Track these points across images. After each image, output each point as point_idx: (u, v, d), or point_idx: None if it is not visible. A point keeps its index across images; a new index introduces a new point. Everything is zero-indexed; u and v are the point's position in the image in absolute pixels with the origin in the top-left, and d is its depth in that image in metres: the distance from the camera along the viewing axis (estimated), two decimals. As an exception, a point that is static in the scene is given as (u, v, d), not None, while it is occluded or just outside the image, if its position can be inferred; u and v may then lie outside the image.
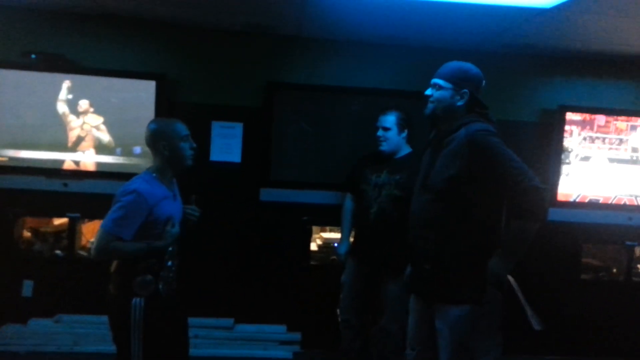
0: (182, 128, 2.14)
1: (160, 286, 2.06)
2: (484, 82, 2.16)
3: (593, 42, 3.22)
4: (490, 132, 2.03)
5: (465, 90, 2.09)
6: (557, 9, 2.56)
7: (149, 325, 2.02)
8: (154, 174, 2.12)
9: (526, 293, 3.40)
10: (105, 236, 1.95)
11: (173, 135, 2.10)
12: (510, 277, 2.07)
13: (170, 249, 2.12)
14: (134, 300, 2.01)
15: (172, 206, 2.14)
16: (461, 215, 2.04)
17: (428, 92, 2.16)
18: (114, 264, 2.10)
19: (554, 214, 3.56)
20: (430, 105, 2.15)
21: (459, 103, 2.10)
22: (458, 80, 2.10)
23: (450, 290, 2.08)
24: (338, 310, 3.13)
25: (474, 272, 2.05)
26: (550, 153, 3.58)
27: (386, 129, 2.96)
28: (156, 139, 2.10)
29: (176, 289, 2.17)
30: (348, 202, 3.20)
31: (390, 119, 2.96)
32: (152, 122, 2.19)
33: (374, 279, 2.99)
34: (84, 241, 3.62)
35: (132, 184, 2.03)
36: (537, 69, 3.63)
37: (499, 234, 2.09)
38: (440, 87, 2.12)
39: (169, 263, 2.13)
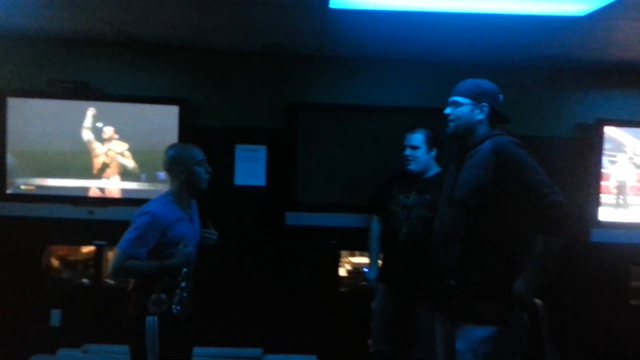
0: (197, 153, 2.24)
1: (174, 306, 2.11)
2: (501, 96, 2.16)
3: (630, 51, 3.05)
4: (517, 144, 2.03)
5: (485, 103, 2.10)
6: (591, 16, 2.42)
7: (163, 345, 2.06)
8: (171, 197, 2.22)
9: (568, 320, 3.30)
10: (121, 255, 2.06)
11: (189, 160, 2.21)
12: (537, 300, 2.00)
13: (184, 270, 2.14)
14: (147, 319, 2.06)
15: (187, 228, 2.21)
16: (488, 227, 2.00)
17: (447, 110, 2.16)
18: (131, 283, 2.17)
19: (597, 235, 3.39)
20: (451, 124, 2.15)
21: (480, 117, 2.10)
22: (475, 95, 2.11)
23: (475, 308, 2.01)
24: (370, 341, 3.01)
25: (501, 289, 1.99)
26: (588, 170, 3.41)
27: (414, 148, 2.87)
28: (173, 163, 2.21)
29: (191, 313, 2.20)
30: (375, 225, 3.09)
31: (418, 137, 2.87)
32: (169, 147, 2.29)
33: (407, 306, 2.87)
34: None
35: (147, 206, 2.16)
36: (571, 81, 3.49)
37: (529, 250, 2.02)
38: (458, 104, 2.13)
39: (183, 284, 2.15)
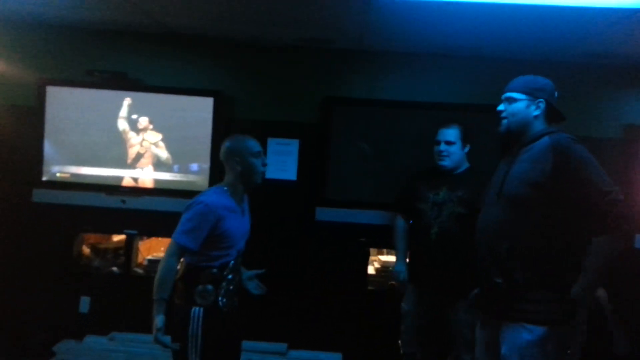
0: (254, 145, 2.20)
1: (220, 298, 2.09)
2: (556, 92, 2.07)
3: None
4: (575, 140, 1.93)
5: (541, 99, 2.01)
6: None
7: (206, 337, 2.04)
8: (225, 188, 2.18)
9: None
10: (174, 247, 2.04)
11: (246, 151, 2.17)
12: (601, 291, 1.90)
13: (232, 262, 2.14)
14: (193, 309, 2.05)
15: (239, 221, 2.18)
16: (539, 224, 1.90)
17: (501, 107, 2.07)
18: (179, 272, 2.13)
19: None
20: (504, 121, 2.06)
21: (535, 113, 2.02)
22: (531, 90, 2.02)
23: (523, 308, 1.90)
24: (400, 342, 2.91)
25: (550, 288, 1.90)
26: (637, 173, 3.23)
27: (450, 143, 2.77)
28: (230, 154, 2.17)
29: (237, 306, 2.19)
30: (400, 223, 2.97)
31: (453, 133, 2.78)
32: (227, 139, 2.25)
33: (439, 307, 2.76)
34: (140, 259, 3.61)
35: (202, 196, 2.11)
36: (621, 79, 3.33)
37: (581, 250, 1.94)
38: (513, 100, 2.04)
39: (230, 276, 2.14)
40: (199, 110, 3.37)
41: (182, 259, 2.12)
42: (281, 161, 3.45)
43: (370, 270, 3.57)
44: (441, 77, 3.40)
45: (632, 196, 3.18)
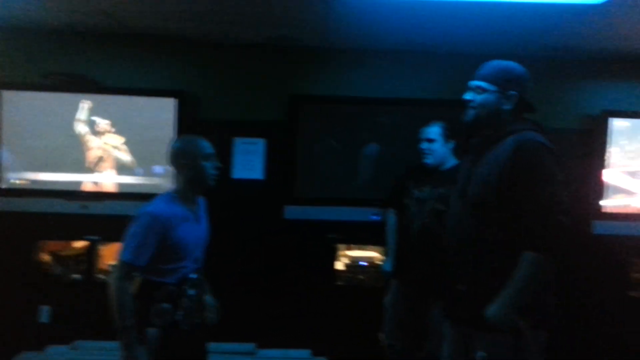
0: (205, 146, 2.03)
1: (179, 317, 1.94)
2: (531, 82, 1.90)
3: (640, 42, 3.00)
4: (545, 146, 1.76)
5: (514, 92, 1.84)
6: (606, 4, 2.36)
7: (163, 359, 1.89)
8: (175, 194, 2.01)
9: (571, 313, 3.20)
10: (124, 267, 1.87)
11: (196, 153, 2.00)
12: (522, 322, 1.72)
13: (192, 275, 2.00)
14: (148, 330, 1.89)
15: (193, 229, 2.02)
16: (502, 229, 1.77)
17: (468, 96, 1.89)
18: (134, 288, 1.96)
19: (599, 227, 3.33)
20: (471, 111, 1.89)
21: (506, 107, 1.84)
22: (503, 82, 1.84)
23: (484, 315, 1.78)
24: (381, 335, 2.95)
25: None
26: (592, 162, 3.34)
27: (431, 141, 2.81)
28: (178, 157, 2.00)
29: (200, 323, 2.03)
30: (391, 218, 3.03)
31: (434, 130, 2.82)
32: (175, 140, 2.11)
33: (419, 301, 2.81)
34: (103, 265, 3.50)
35: (148, 207, 1.94)
36: (579, 72, 3.43)
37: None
38: (483, 90, 1.86)
39: (191, 292, 1.99)
40: (161, 111, 3.30)
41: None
42: (248, 161, 3.42)
43: (339, 266, 3.56)
44: (406, 73, 3.43)
45: (586, 183, 3.33)
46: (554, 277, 1.83)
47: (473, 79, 1.90)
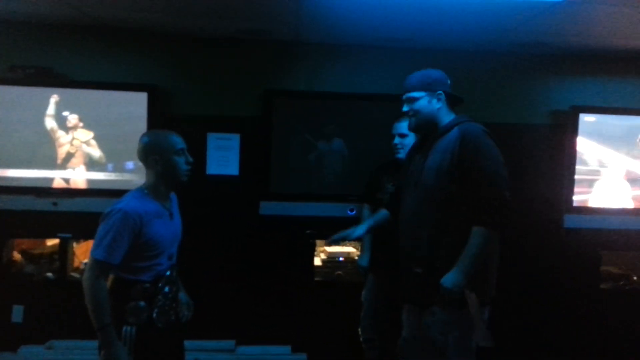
0: (177, 141, 1.97)
1: (155, 314, 1.91)
2: (449, 80, 2.16)
3: (608, 38, 3.05)
4: (485, 132, 2.03)
5: (439, 91, 2.10)
6: (570, 2, 2.40)
7: (139, 357, 1.87)
8: (146, 191, 1.96)
9: (542, 305, 3.31)
10: (97, 265, 1.81)
11: (166, 148, 1.94)
12: (468, 292, 1.92)
13: (168, 272, 1.97)
14: (124, 328, 1.85)
15: (167, 225, 1.98)
16: (453, 213, 1.98)
17: (405, 108, 2.15)
18: (108, 287, 1.92)
19: (570, 221, 3.42)
20: (412, 120, 2.16)
21: (437, 105, 2.11)
22: (427, 85, 2.11)
23: (439, 293, 1.95)
24: (359, 329, 3.00)
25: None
26: (562, 157, 3.42)
27: (403, 136, 2.83)
28: (148, 152, 1.93)
29: (175, 321, 2.02)
30: (366, 213, 3.05)
31: (406, 125, 2.81)
32: (144, 134, 2.04)
33: (394, 295, 2.83)
34: (76, 262, 3.46)
35: (119, 203, 1.87)
36: (547, 68, 3.48)
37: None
38: (414, 99, 2.12)
39: (166, 289, 1.97)
40: (132, 106, 3.24)
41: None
42: (222, 156, 3.39)
43: (317, 261, 3.59)
44: (378, 68, 3.43)
45: (556, 178, 3.41)
46: (498, 255, 2.06)
47: (404, 94, 2.15)
